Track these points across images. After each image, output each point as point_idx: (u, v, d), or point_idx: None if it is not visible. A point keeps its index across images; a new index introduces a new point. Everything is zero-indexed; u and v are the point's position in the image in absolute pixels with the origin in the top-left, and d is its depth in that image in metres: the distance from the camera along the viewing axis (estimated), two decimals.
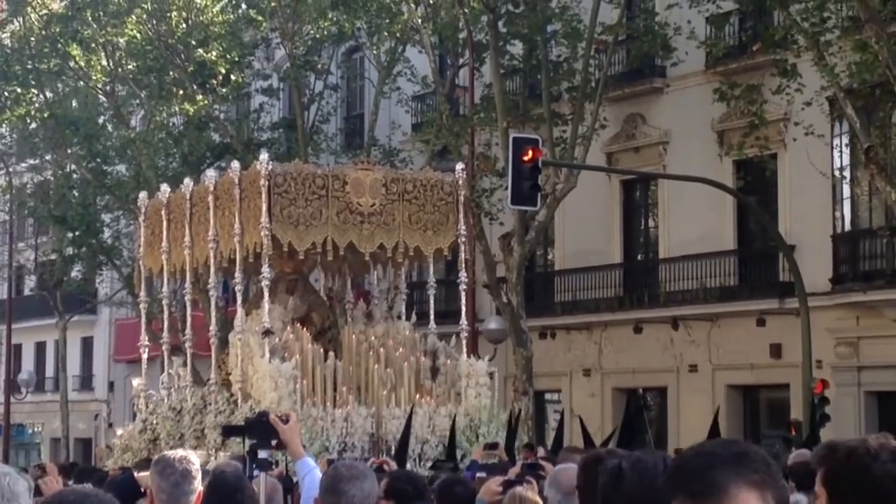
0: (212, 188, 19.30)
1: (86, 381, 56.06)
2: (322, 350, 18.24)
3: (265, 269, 18.05)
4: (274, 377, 17.20)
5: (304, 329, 18.59)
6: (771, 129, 27.80)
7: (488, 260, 29.90)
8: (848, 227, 27.86)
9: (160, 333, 22.60)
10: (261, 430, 7.66)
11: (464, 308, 19.74)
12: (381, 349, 18.47)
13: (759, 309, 29.35)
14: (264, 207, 17.81)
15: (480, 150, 32.05)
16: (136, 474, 10.24)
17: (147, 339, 22.34)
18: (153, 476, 5.79)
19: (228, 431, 11.67)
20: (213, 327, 19.79)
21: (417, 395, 18.13)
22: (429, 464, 16.83)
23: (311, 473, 7.46)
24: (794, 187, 29.14)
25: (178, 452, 5.93)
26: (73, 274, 46.93)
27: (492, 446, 14.60)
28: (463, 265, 19.76)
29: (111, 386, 53.42)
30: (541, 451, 16.34)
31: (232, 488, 6.53)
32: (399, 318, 20.23)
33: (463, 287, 19.71)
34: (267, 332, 17.80)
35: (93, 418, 53.02)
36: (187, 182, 20.74)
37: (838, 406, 25.60)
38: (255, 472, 7.48)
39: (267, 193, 17.88)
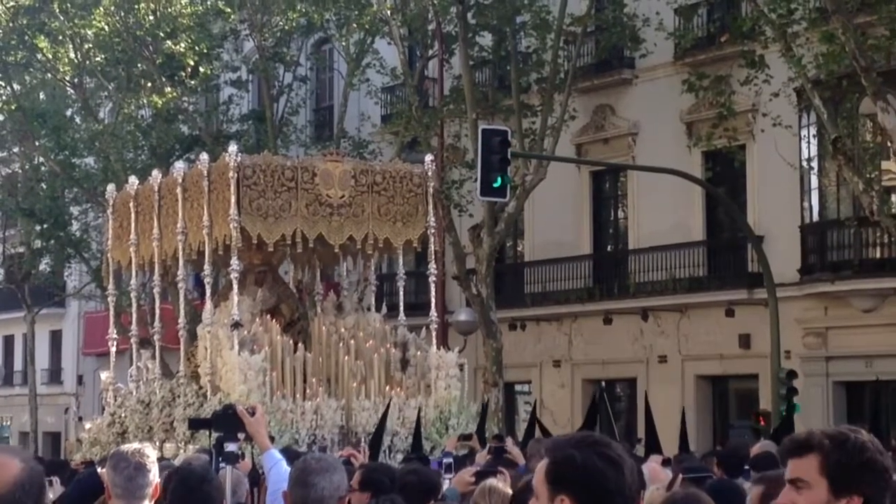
0: (180, 180, 19.19)
1: (54, 375, 55.84)
2: (291, 342, 18.21)
3: (234, 262, 17.98)
4: (243, 369, 17.13)
5: (274, 321, 18.55)
6: (739, 119, 27.90)
7: (458, 252, 29.88)
8: (816, 217, 27.97)
9: (129, 326, 22.51)
10: (227, 422, 7.64)
11: (433, 300, 19.72)
12: (352, 341, 18.44)
13: (727, 299, 29.46)
14: (233, 199, 17.74)
15: (450, 142, 32.08)
16: (99, 470, 10.20)
17: (116, 332, 22.24)
18: (108, 470, 5.78)
19: (195, 424, 11.63)
20: (182, 320, 19.72)
21: (388, 388, 18.11)
22: (399, 456, 16.85)
23: (277, 466, 7.45)
24: (762, 178, 29.23)
25: (133, 446, 5.91)
26: (42, 267, 46.75)
27: (466, 437, 14.58)
28: (432, 257, 19.70)
29: (80, 379, 53.24)
30: (509, 442, 16.36)
31: (198, 480, 6.52)
32: (369, 309, 20.20)
33: (432, 279, 19.68)
34: (236, 325, 17.74)
35: (62, 412, 52.77)
36: (155, 174, 20.62)
37: (807, 396, 25.72)
38: (222, 465, 7.46)
39: (236, 185, 17.81)
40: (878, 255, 27.26)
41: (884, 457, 3.83)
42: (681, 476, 7.50)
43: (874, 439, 3.86)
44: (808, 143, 27.63)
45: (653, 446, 12.69)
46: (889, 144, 22.93)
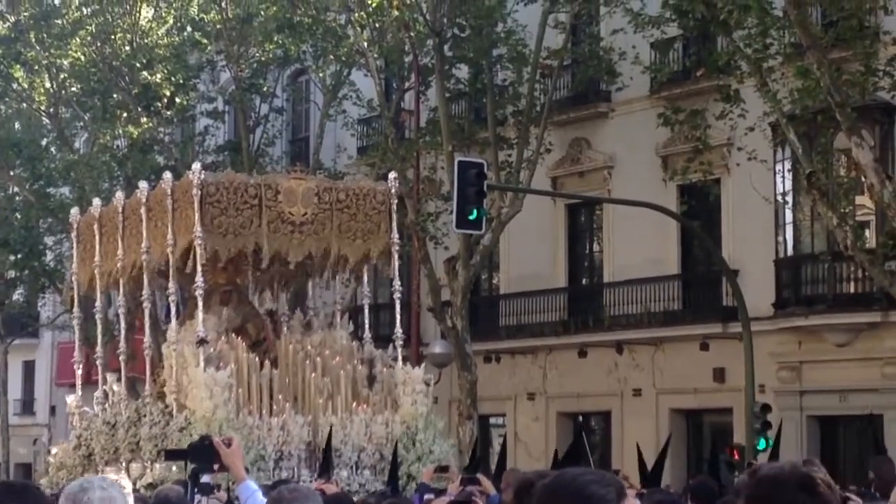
0: (144, 199, 19.06)
1: (27, 406, 55.53)
2: (258, 360, 18.08)
3: (199, 279, 17.78)
4: (209, 386, 16.92)
5: (240, 339, 18.39)
6: (714, 154, 27.96)
7: (433, 284, 29.87)
8: (790, 251, 28.05)
9: (96, 352, 22.26)
10: (203, 453, 7.56)
11: (398, 315, 19.41)
12: (318, 358, 18.30)
13: (702, 333, 29.45)
14: (197, 216, 17.56)
15: (426, 174, 32.07)
16: None
17: (82, 356, 22.01)
18: None
19: (170, 456, 11.47)
20: (147, 339, 19.50)
21: (355, 404, 17.98)
22: (366, 472, 16.86)
23: (252, 497, 7.40)
24: (737, 212, 29.29)
25: (110, 477, 5.84)
26: (15, 297, 46.56)
27: (443, 469, 14.50)
28: (396, 273, 19.25)
29: (52, 410, 52.89)
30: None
31: None
32: (334, 326, 20.02)
33: (397, 295, 19.30)
34: (202, 341, 17.57)
35: (32, 443, 52.47)
36: (119, 195, 20.45)
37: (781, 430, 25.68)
38: (197, 497, 7.40)
39: (199, 203, 17.64)
40: (851, 289, 27.34)
41: (834, 493, 3.92)
42: None
43: (826, 475, 3.93)
44: (783, 177, 27.73)
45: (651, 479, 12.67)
46: (863, 179, 22.99)
